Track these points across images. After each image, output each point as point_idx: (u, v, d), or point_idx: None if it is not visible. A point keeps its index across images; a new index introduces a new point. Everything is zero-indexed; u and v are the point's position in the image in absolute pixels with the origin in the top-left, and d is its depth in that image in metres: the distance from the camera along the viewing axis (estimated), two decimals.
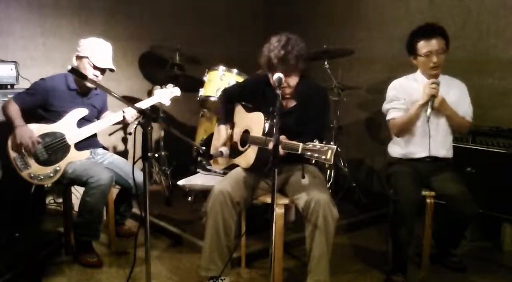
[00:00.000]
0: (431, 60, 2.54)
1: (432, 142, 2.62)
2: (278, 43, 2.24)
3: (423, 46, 2.57)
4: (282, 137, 2.05)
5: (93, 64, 2.70)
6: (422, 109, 2.51)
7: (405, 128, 2.59)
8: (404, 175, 2.57)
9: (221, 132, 2.60)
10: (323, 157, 1.85)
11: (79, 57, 2.73)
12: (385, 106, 2.70)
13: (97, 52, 2.72)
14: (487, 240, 3.10)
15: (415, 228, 2.45)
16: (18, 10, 3.47)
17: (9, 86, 3.07)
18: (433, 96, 2.48)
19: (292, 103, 2.41)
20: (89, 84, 2.76)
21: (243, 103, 2.65)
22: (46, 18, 3.60)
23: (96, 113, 2.92)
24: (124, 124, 2.93)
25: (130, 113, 2.82)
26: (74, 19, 3.73)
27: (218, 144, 2.57)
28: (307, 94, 2.38)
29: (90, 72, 2.71)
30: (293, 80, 2.32)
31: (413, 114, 2.53)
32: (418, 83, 2.64)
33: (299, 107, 2.39)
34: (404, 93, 2.65)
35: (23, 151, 2.59)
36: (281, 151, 1.99)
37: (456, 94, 2.65)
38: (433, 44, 2.54)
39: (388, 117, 2.68)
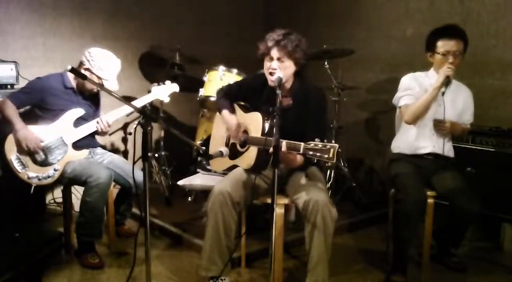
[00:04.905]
0: (448, 60, 2.57)
1: (434, 139, 2.65)
2: (279, 31, 2.29)
3: (442, 45, 2.60)
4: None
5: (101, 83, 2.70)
6: (438, 92, 2.54)
7: (419, 113, 2.60)
8: (408, 175, 2.57)
9: (226, 117, 2.55)
10: (326, 156, 1.85)
11: (85, 68, 2.71)
12: (398, 94, 2.72)
13: (108, 73, 2.72)
14: (487, 240, 3.10)
15: (417, 227, 2.46)
16: (18, 10, 3.46)
17: (9, 86, 3.07)
18: (447, 77, 2.52)
19: (288, 102, 2.40)
20: (88, 86, 2.76)
21: (240, 103, 2.65)
22: (46, 18, 3.60)
23: (93, 112, 2.92)
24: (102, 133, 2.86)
25: (102, 124, 2.76)
26: (74, 19, 3.72)
27: (222, 132, 2.52)
28: (304, 94, 2.37)
29: (89, 84, 2.72)
30: (287, 69, 2.29)
31: (428, 97, 2.56)
32: (429, 79, 2.67)
33: (295, 106, 2.38)
34: (418, 85, 2.68)
35: (27, 152, 2.60)
36: (283, 148, 1.99)
37: (463, 102, 2.70)
38: (452, 44, 2.58)
39: (400, 104, 2.70)
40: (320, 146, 1.88)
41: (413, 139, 2.69)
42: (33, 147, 2.59)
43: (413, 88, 2.67)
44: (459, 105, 2.69)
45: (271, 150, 1.93)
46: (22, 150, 2.60)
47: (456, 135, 2.81)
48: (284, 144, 2.01)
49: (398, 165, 2.70)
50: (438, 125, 2.64)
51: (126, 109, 2.84)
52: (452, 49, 2.58)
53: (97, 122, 2.77)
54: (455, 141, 2.85)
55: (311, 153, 1.90)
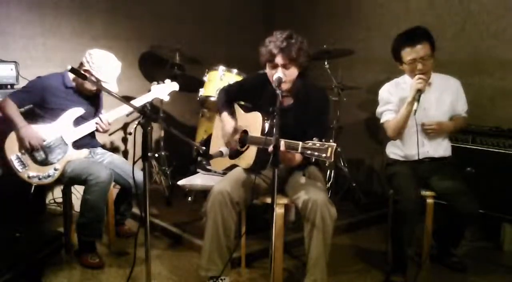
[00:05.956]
0: (417, 68, 2.51)
1: (427, 143, 2.62)
2: (280, 36, 2.24)
3: (407, 53, 2.52)
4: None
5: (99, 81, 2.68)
6: (412, 106, 2.46)
7: (399, 129, 2.57)
8: (404, 175, 2.57)
9: (225, 120, 2.52)
10: (323, 155, 1.85)
11: (84, 70, 2.68)
12: (379, 109, 2.70)
13: (107, 76, 2.71)
14: (487, 240, 3.10)
15: (416, 228, 2.46)
16: (18, 10, 3.46)
17: (9, 86, 3.07)
18: (419, 91, 2.44)
19: (289, 101, 2.40)
20: (88, 86, 2.75)
21: (240, 103, 2.65)
22: (46, 18, 3.60)
23: (93, 111, 2.91)
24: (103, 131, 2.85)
25: (102, 123, 2.77)
26: (74, 19, 3.72)
27: (223, 133, 2.52)
28: (306, 94, 2.37)
29: (88, 85, 2.72)
30: (292, 74, 2.28)
31: (404, 113, 2.51)
32: (407, 85, 2.63)
33: (296, 106, 2.38)
34: (396, 96, 2.64)
35: (27, 151, 2.60)
36: (282, 147, 1.99)
37: (452, 94, 2.65)
38: (418, 50, 2.49)
39: (382, 120, 2.68)
40: (318, 145, 1.88)
41: (405, 148, 2.67)
42: (35, 145, 2.59)
43: (392, 101, 2.63)
44: (446, 100, 2.63)
45: (270, 148, 1.93)
46: (23, 148, 2.60)
47: (451, 131, 2.72)
48: (282, 143, 2.01)
49: (394, 166, 2.71)
50: (425, 130, 2.59)
51: (126, 109, 2.84)
52: (418, 56, 2.48)
53: (97, 122, 2.77)
54: (454, 141, 2.85)
55: (309, 152, 1.90)
